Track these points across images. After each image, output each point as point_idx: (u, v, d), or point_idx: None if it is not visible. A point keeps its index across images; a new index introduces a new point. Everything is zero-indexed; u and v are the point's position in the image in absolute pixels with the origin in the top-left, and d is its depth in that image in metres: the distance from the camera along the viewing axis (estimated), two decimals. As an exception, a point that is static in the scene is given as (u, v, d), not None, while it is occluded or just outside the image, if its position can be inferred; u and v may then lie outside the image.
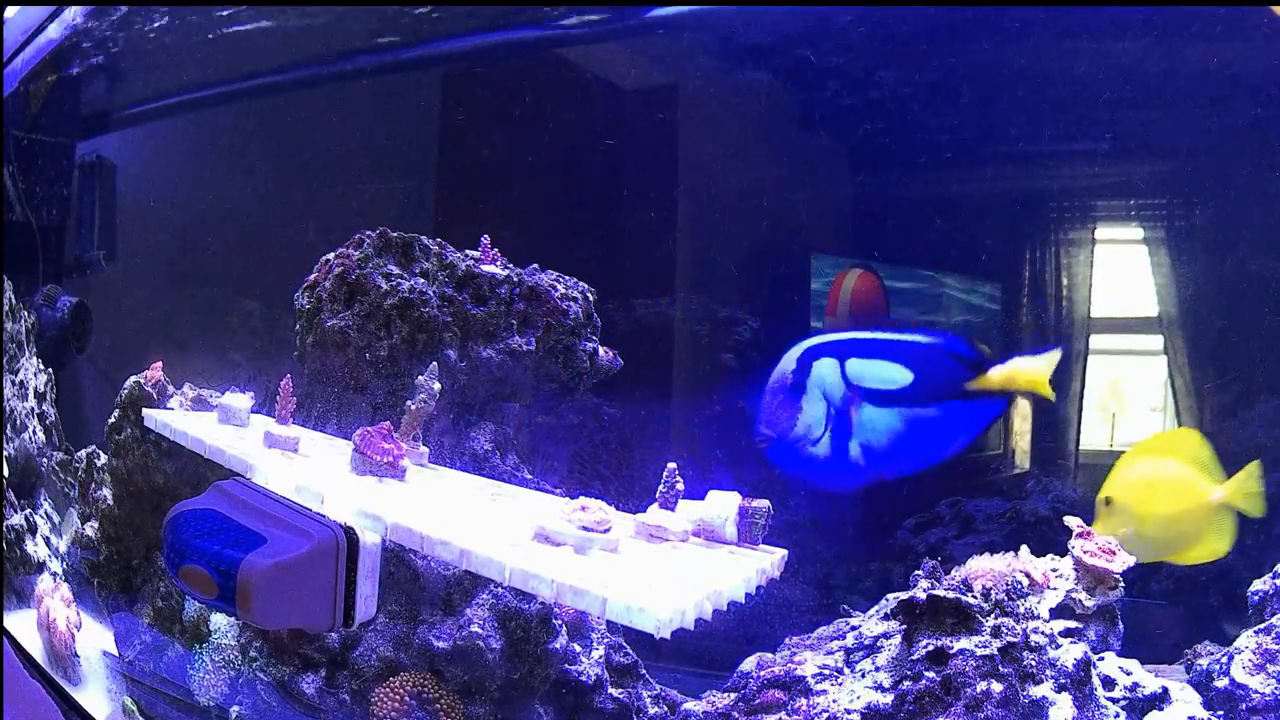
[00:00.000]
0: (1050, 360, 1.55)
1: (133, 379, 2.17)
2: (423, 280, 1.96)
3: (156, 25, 2.93)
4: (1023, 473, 2.60)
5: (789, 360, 1.58)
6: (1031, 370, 1.55)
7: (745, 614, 1.23)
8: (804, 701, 1.55)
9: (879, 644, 1.62)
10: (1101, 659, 1.59)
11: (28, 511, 2.60)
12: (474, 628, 1.73)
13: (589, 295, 2.15)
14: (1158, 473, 1.75)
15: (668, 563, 1.21)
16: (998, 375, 1.55)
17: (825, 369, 1.57)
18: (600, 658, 1.91)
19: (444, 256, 2.02)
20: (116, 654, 2.17)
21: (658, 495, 1.36)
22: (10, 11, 2.53)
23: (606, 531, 1.19)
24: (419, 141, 2.89)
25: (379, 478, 1.46)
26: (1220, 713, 1.48)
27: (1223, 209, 2.37)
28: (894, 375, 1.57)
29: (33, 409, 2.74)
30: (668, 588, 1.07)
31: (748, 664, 1.70)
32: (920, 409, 1.57)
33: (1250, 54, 2.12)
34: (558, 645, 1.81)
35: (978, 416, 1.57)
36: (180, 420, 1.90)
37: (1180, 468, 1.73)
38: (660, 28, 2.76)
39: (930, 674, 1.42)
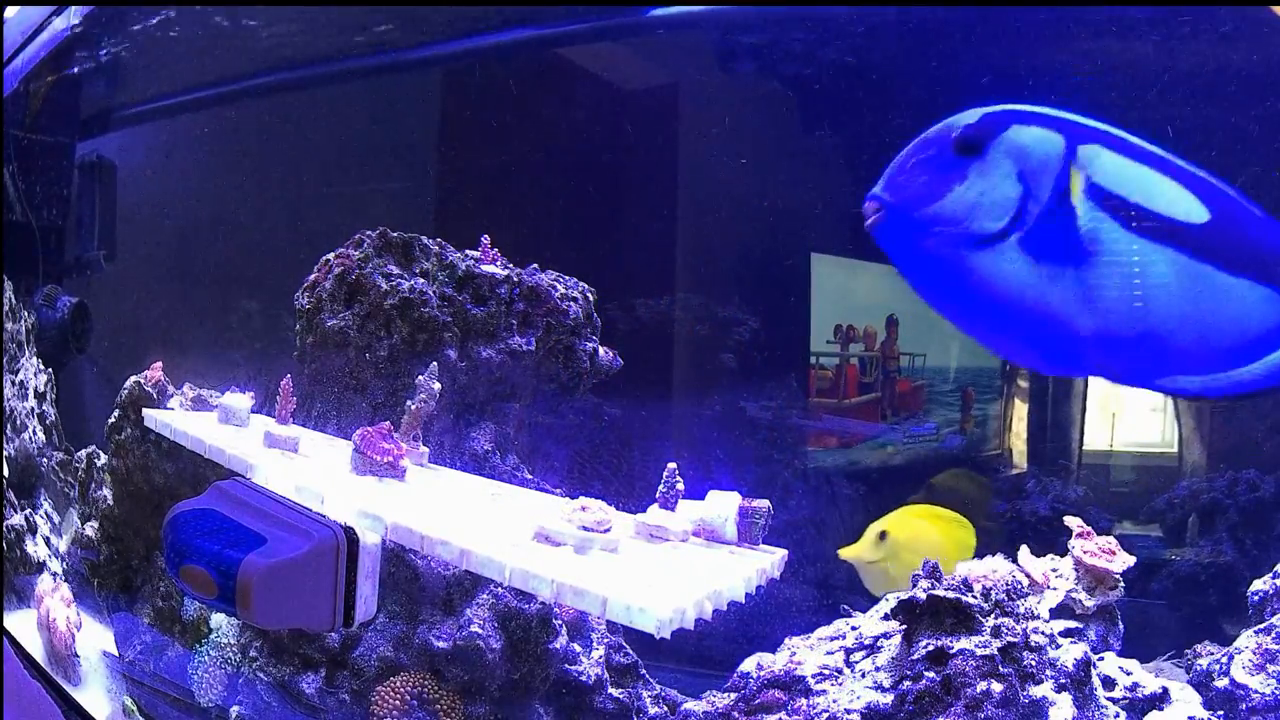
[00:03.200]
0: None
1: (133, 379, 2.17)
2: (423, 280, 1.96)
3: (156, 25, 2.93)
4: (1022, 473, 2.60)
5: (964, 115, 0.97)
6: None
7: (745, 614, 1.23)
8: (804, 701, 1.55)
9: (879, 644, 1.62)
10: (1101, 659, 1.59)
11: (28, 511, 2.60)
12: (474, 628, 1.73)
13: (589, 295, 2.15)
14: (926, 527, 2.03)
15: (668, 563, 1.21)
16: None
17: (1034, 139, 0.94)
18: (600, 658, 1.91)
19: (444, 256, 2.02)
20: (116, 654, 2.17)
21: (658, 495, 1.36)
22: (10, 11, 2.53)
23: (606, 532, 1.19)
24: (419, 141, 2.89)
25: (379, 478, 1.46)
26: (1220, 713, 1.48)
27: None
28: (1181, 203, 0.90)
29: (33, 409, 2.74)
30: (668, 588, 1.07)
31: (748, 664, 1.70)
32: (1234, 280, 0.90)
33: (1250, 53, 2.12)
34: (558, 645, 1.81)
35: None
36: (180, 420, 1.90)
37: (935, 532, 2.02)
38: (660, 27, 2.76)
39: (930, 674, 1.42)
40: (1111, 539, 1.73)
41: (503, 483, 1.71)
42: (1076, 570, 1.71)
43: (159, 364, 2.19)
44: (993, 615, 1.47)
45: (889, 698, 1.46)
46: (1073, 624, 1.66)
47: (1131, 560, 1.69)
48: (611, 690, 1.89)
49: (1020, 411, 2.61)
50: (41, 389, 2.79)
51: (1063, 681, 1.45)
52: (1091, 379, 2.47)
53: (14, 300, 2.71)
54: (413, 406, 1.62)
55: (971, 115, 0.94)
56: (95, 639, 2.23)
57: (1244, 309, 0.90)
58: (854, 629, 1.70)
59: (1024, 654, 1.44)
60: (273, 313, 2.69)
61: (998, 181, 0.91)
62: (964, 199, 0.92)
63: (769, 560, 1.28)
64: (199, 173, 3.11)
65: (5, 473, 2.52)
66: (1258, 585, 1.66)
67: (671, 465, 1.36)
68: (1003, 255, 0.89)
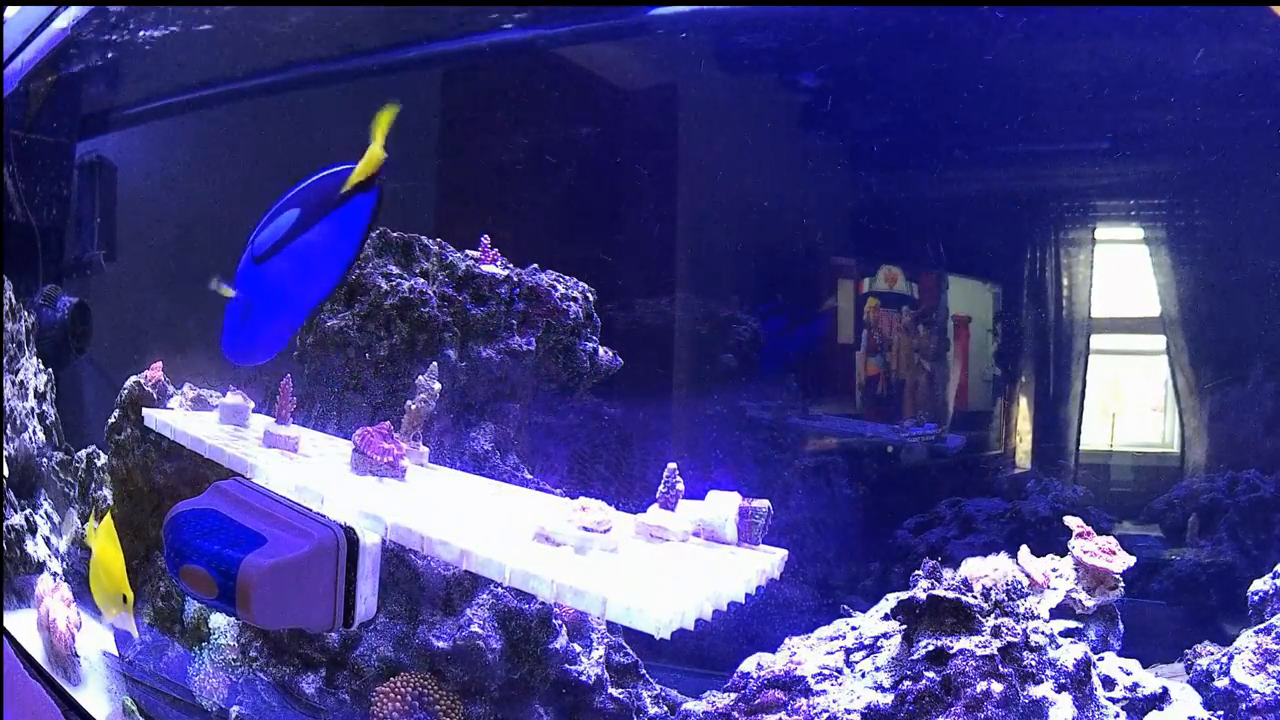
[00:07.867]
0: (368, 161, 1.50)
1: (133, 379, 2.17)
2: (423, 280, 1.96)
3: (156, 24, 2.93)
4: (1023, 473, 2.60)
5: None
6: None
7: (745, 614, 1.23)
8: (804, 701, 1.55)
9: (879, 644, 1.62)
10: (1101, 659, 1.59)
11: (28, 511, 2.60)
12: (474, 628, 1.73)
13: (589, 295, 2.15)
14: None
15: (668, 563, 1.21)
16: (359, 167, 1.48)
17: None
18: (600, 658, 1.91)
19: (444, 256, 2.02)
20: (116, 654, 2.17)
21: (658, 495, 1.36)
22: (10, 11, 2.53)
23: (607, 532, 1.19)
24: (419, 141, 2.88)
25: (379, 478, 1.46)
26: (1220, 713, 1.48)
27: (1223, 208, 2.37)
28: (285, 221, 1.49)
29: (33, 409, 2.74)
30: (668, 588, 1.07)
31: (748, 664, 1.70)
32: (302, 235, 1.47)
33: (1251, 53, 2.12)
34: (558, 645, 1.81)
35: (354, 215, 1.48)
36: (180, 420, 1.90)
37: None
38: (660, 27, 2.76)
39: (930, 674, 1.42)
40: (1111, 539, 1.73)
41: (503, 483, 1.71)
42: (1076, 570, 1.71)
43: (159, 364, 2.19)
44: (993, 615, 1.47)
45: (889, 698, 1.46)
46: (1073, 624, 1.66)
47: (1131, 560, 1.69)
48: (611, 690, 1.89)
49: (1021, 411, 2.61)
50: (41, 389, 2.79)
51: (1063, 681, 1.45)
52: (1090, 382, 2.48)
53: (14, 300, 2.71)
54: (412, 406, 1.62)
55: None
56: (95, 639, 2.23)
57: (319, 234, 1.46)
58: (854, 629, 1.70)
59: (1024, 654, 1.44)
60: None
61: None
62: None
63: (769, 560, 1.28)
64: (199, 172, 3.11)
65: (5, 473, 2.52)
66: (1258, 585, 1.66)
67: (671, 465, 1.36)
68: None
